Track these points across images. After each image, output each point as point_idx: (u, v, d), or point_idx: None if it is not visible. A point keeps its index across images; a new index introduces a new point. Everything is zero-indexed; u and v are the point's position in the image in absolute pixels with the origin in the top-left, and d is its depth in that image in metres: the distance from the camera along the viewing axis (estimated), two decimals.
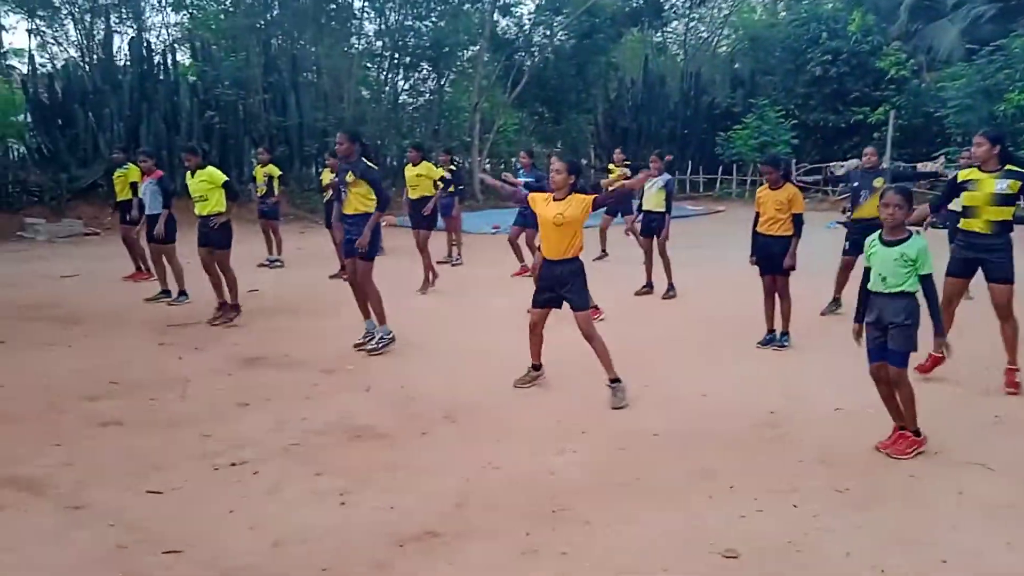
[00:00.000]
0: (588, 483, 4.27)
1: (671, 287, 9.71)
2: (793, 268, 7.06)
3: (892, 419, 4.71)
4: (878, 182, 8.00)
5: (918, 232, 4.64)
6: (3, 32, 21.48)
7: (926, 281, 4.49)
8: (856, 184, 8.36)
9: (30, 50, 21.87)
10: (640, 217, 9.94)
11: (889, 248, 4.54)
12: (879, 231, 4.66)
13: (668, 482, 4.28)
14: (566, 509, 3.94)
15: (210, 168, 8.24)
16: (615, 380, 5.64)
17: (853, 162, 25.34)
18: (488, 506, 3.99)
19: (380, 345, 7.08)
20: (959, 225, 5.97)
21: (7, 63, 23.76)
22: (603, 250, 12.94)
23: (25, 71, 21.68)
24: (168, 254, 9.31)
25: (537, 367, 6.07)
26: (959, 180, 5.93)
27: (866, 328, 4.68)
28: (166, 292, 9.45)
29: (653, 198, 9.61)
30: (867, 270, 4.72)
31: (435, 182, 10.77)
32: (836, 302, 8.47)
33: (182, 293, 9.33)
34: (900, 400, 4.61)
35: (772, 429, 5.08)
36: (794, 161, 27.03)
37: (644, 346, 7.26)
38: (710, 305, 9.23)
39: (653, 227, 9.65)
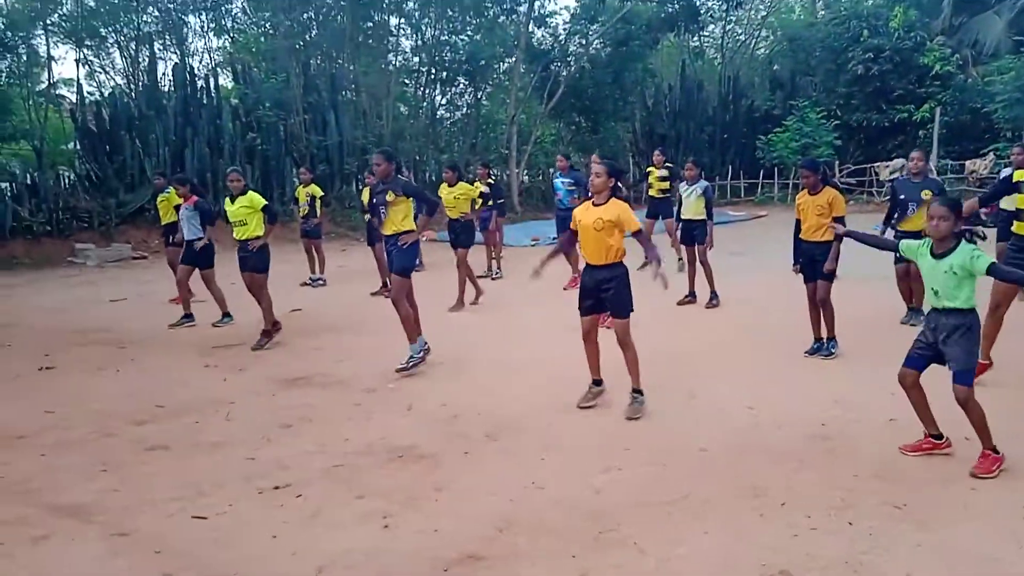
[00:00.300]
0: (634, 502, 4.18)
1: (714, 295, 9.56)
2: (833, 272, 6.86)
3: (924, 426, 4.57)
4: (926, 194, 7.78)
5: (966, 237, 4.45)
6: (53, 63, 22.06)
7: (993, 269, 4.28)
8: (903, 197, 8.11)
9: (78, 79, 22.48)
10: (680, 226, 9.83)
11: (939, 261, 4.39)
12: (930, 240, 4.49)
13: (717, 500, 4.16)
14: (612, 530, 3.86)
15: (251, 193, 8.31)
16: (638, 391, 5.62)
17: (898, 162, 24.86)
18: (533, 528, 3.92)
19: (410, 364, 6.96)
20: (1012, 228, 5.74)
21: (57, 93, 24.46)
22: (647, 258, 12.75)
23: (74, 100, 22.29)
24: (207, 279, 9.42)
25: (598, 383, 5.86)
26: (1014, 180, 5.70)
27: (918, 337, 4.55)
28: (188, 316, 9.51)
29: (692, 206, 9.51)
30: (900, 257, 4.61)
31: (473, 201, 10.71)
32: (913, 311, 8.13)
33: (226, 315, 9.44)
34: (972, 422, 4.38)
35: (823, 442, 4.93)
36: (837, 162, 26.57)
37: (688, 357, 7.14)
38: (755, 313, 9.06)
39: (694, 235, 9.53)
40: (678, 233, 9.75)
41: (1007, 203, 6.09)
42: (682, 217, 9.68)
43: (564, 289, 10.96)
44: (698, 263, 9.58)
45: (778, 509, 4.01)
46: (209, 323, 9.36)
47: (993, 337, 5.81)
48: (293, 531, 3.98)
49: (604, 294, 5.59)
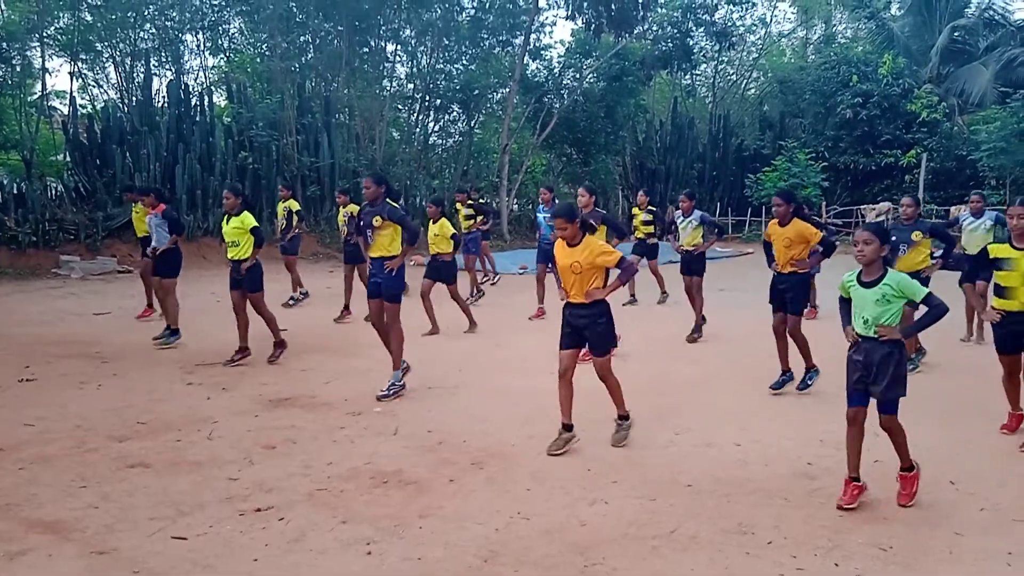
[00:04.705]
0: (620, 535, 4.15)
1: (697, 328, 9.60)
2: (804, 305, 6.91)
3: (848, 469, 4.54)
4: (916, 235, 7.87)
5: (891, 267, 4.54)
6: (46, 74, 22.00)
7: (929, 299, 4.36)
8: (894, 238, 8.20)
9: (71, 92, 22.40)
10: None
11: (868, 289, 4.41)
12: (859, 270, 4.51)
13: (703, 536, 4.14)
14: (598, 563, 3.83)
15: (244, 214, 8.20)
16: (623, 417, 5.64)
17: (884, 205, 25.19)
18: (518, 559, 3.88)
19: (391, 392, 6.88)
20: (993, 304, 5.75)
21: (49, 104, 24.37)
22: (632, 295, 12.66)
23: (66, 112, 22.23)
24: (167, 289, 9.27)
25: (569, 427, 5.51)
26: (990, 256, 5.63)
27: (850, 367, 4.54)
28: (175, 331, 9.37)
29: (690, 237, 9.62)
30: (842, 300, 4.67)
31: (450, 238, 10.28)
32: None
33: (174, 332, 9.21)
34: (894, 444, 4.57)
35: (810, 481, 4.93)
36: (824, 203, 26.86)
37: (675, 391, 7.14)
38: (741, 348, 9.07)
39: (692, 266, 9.60)
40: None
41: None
42: (682, 247, 9.76)
43: (530, 319, 10.91)
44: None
45: (765, 548, 4.00)
46: (194, 341, 9.27)
47: (1018, 392, 5.82)
48: (275, 555, 3.93)
49: (586, 331, 5.46)
